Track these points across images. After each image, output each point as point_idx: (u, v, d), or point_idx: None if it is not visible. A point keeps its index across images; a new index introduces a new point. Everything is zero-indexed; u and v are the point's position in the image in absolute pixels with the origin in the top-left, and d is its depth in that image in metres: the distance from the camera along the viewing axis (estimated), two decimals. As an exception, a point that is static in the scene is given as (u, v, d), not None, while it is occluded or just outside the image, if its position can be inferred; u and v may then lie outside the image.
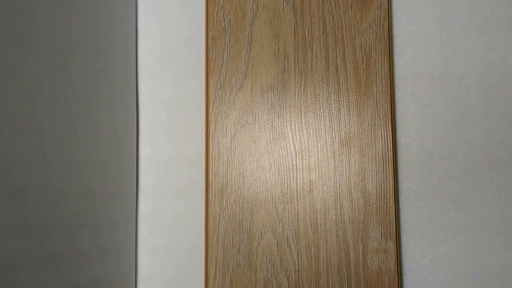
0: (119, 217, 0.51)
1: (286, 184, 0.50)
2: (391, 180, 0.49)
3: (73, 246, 0.43)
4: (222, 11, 0.52)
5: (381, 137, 0.49)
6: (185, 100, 0.55)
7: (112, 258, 0.49)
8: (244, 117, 0.51)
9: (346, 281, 0.48)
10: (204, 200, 0.52)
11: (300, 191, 0.49)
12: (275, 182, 0.50)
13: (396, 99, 0.52)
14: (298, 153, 0.50)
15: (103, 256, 0.48)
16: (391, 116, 0.50)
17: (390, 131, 0.49)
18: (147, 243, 0.54)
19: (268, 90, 0.51)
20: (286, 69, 0.51)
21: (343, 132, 0.50)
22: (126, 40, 0.54)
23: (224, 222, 0.49)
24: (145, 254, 0.54)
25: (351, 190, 0.49)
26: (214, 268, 0.49)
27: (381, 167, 0.49)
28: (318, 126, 0.50)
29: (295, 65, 0.51)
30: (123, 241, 0.52)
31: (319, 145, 0.50)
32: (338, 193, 0.49)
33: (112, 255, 0.49)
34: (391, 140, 0.49)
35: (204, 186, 0.53)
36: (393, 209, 0.48)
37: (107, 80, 0.50)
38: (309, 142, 0.50)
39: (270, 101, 0.51)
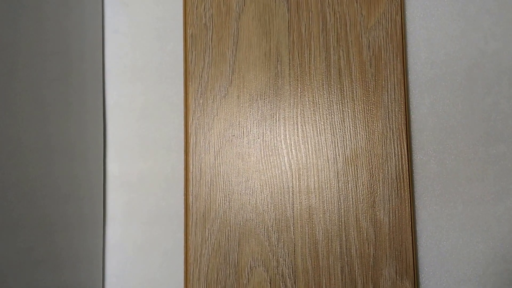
0: (83, 249, 0.50)
1: (280, 210, 0.48)
2: (406, 206, 0.48)
3: (29, 286, 0.42)
4: (203, 4, 0.51)
5: (394, 154, 0.48)
6: (160, 110, 0.54)
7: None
8: (230, 129, 0.50)
9: (354, 328, 0.48)
10: (183, 227, 0.51)
11: (297, 218, 0.48)
12: (267, 207, 0.48)
13: (411, 109, 0.51)
14: (295, 172, 0.49)
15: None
16: (406, 129, 0.49)
17: (405, 147, 0.48)
18: (116, 279, 0.52)
19: (258, 98, 0.50)
20: (279, 73, 0.50)
21: (348, 148, 0.49)
22: (91, 38, 0.53)
23: (207, 254, 0.48)
24: (114, 291, 0.52)
25: (359, 217, 0.48)
26: (196, 310, 0.48)
27: (394, 191, 0.48)
28: (318, 141, 0.49)
29: (289, 69, 0.50)
30: (88, 277, 0.50)
31: (319, 163, 0.49)
32: (343, 221, 0.48)
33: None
34: (406, 157, 0.48)
35: (183, 211, 0.51)
36: (410, 241, 0.47)
37: (67, 86, 0.49)
38: (308, 160, 0.49)
39: (260, 111, 0.50)
